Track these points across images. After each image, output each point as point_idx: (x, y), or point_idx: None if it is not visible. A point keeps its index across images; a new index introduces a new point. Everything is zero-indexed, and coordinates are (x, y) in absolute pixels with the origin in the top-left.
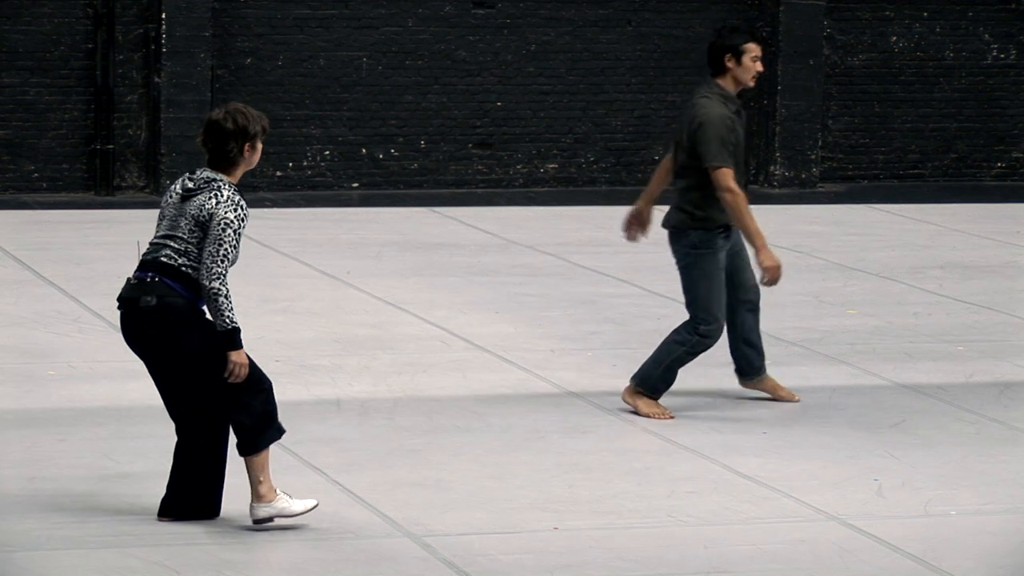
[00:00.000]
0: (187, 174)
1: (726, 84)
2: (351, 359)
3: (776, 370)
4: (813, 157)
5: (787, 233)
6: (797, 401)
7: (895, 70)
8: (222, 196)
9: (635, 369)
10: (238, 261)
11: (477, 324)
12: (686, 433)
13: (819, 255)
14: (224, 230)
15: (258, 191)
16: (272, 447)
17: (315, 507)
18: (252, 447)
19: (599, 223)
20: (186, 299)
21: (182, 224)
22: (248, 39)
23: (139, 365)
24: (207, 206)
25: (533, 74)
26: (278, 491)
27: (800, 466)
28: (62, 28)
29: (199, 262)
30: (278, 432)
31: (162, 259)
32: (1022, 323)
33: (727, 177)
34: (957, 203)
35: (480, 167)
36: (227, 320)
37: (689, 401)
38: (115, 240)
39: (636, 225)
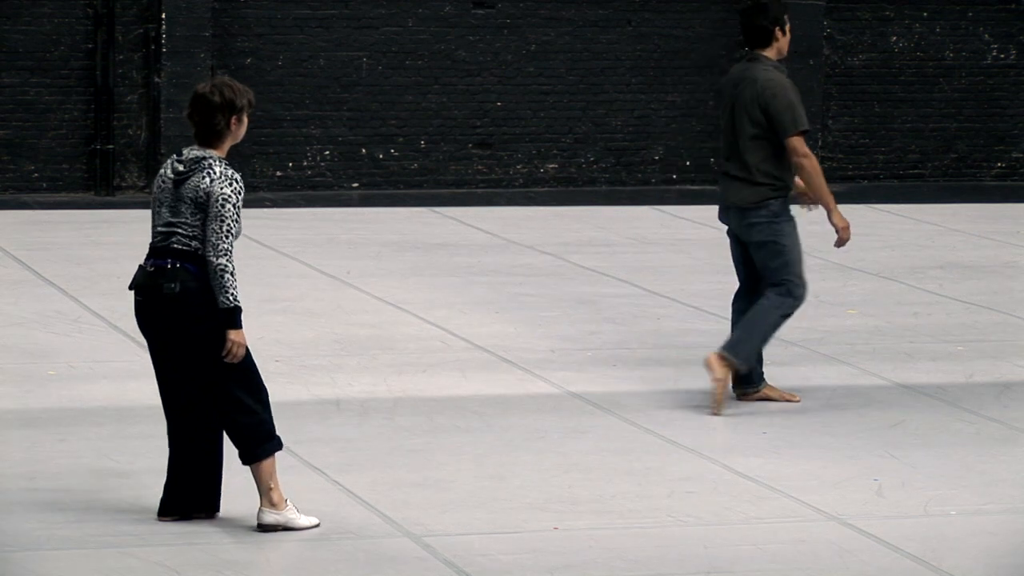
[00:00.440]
0: (175, 155)
1: (770, 55)
2: (351, 359)
3: (776, 370)
4: None
5: None
6: (797, 401)
7: (895, 70)
8: (215, 173)
9: (635, 369)
10: (238, 261)
11: (477, 324)
12: (686, 433)
13: (818, 255)
14: (223, 206)
15: (258, 191)
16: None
17: (317, 526)
18: (252, 456)
19: (599, 223)
20: (204, 283)
21: (183, 209)
22: (248, 39)
23: (139, 365)
24: (202, 186)
25: (533, 74)
26: (288, 502)
27: (800, 466)
28: (62, 28)
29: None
30: (275, 444)
31: (175, 246)
32: (1022, 323)
33: (803, 143)
34: (957, 203)
35: (480, 167)
36: (230, 297)
37: (689, 401)
38: (115, 240)
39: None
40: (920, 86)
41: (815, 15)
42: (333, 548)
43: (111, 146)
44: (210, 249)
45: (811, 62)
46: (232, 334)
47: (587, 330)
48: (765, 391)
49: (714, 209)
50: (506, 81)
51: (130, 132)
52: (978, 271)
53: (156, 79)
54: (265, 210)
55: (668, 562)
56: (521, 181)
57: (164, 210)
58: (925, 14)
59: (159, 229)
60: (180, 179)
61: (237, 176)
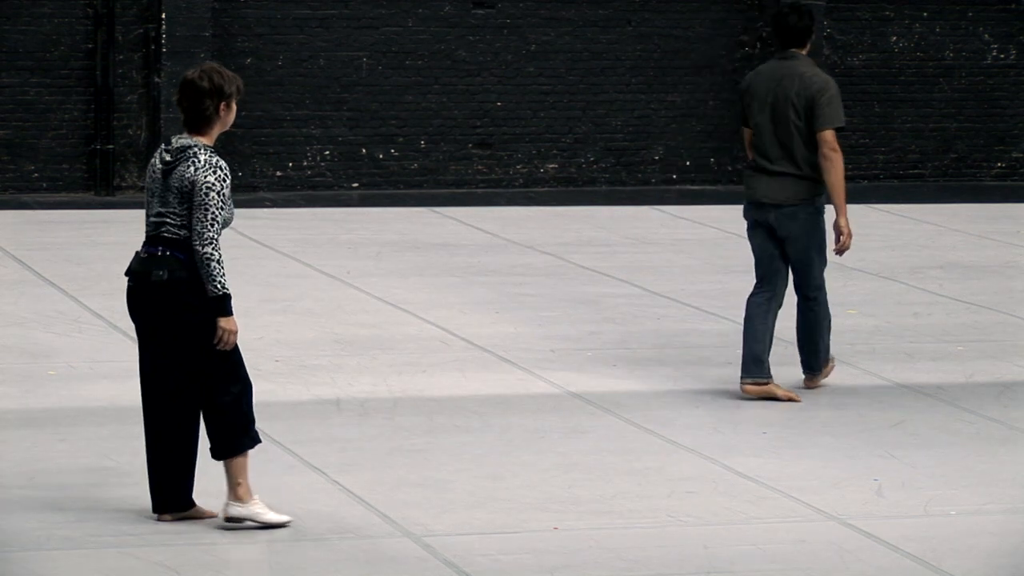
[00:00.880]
0: (163, 145)
1: (804, 54)
2: (351, 359)
3: (777, 370)
4: None
5: None
6: (798, 402)
7: (895, 70)
8: (199, 162)
9: (635, 369)
10: (238, 261)
11: (477, 324)
12: (686, 433)
13: None
14: (207, 194)
15: (258, 191)
16: (272, 447)
17: (288, 523)
18: (228, 450)
19: (599, 223)
20: (194, 272)
21: (171, 199)
22: (248, 39)
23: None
24: (187, 175)
25: (533, 74)
26: (256, 497)
27: (800, 466)
28: (62, 28)
29: None
30: (252, 441)
31: (165, 234)
32: (1022, 323)
33: (835, 138)
34: (957, 203)
35: (480, 167)
36: (218, 285)
37: (689, 401)
38: (115, 240)
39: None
40: (920, 86)
41: (815, 15)
42: (333, 548)
43: (111, 146)
44: (196, 238)
45: None
46: (223, 321)
47: (587, 330)
48: (771, 387)
49: (714, 209)
50: (506, 81)
51: (130, 132)
52: (978, 271)
53: (156, 79)
54: (265, 210)
55: (668, 562)
56: (521, 181)
57: (155, 200)
58: (925, 14)
59: (151, 219)
60: (168, 168)
61: (222, 163)
